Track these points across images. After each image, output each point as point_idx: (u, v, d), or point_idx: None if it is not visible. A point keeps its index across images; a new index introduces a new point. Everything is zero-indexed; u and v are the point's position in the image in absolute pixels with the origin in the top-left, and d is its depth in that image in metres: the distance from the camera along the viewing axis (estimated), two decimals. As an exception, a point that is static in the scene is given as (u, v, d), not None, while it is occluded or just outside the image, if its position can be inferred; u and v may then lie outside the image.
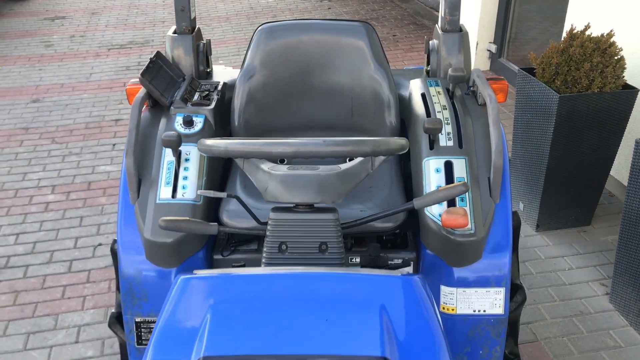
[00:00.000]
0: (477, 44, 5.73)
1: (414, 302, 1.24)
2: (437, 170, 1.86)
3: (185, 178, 1.89)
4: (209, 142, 1.56)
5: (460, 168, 1.87)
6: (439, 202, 1.54)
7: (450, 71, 2.08)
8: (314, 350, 1.09)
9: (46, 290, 3.34)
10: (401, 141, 1.53)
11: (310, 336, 1.13)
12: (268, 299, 1.22)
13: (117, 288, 2.05)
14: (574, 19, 4.08)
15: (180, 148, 1.87)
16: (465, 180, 1.84)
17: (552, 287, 3.29)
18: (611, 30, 3.32)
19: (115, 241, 2.05)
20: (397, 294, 1.24)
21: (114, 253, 2.05)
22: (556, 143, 3.42)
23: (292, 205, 1.54)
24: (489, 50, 5.75)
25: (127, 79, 6.22)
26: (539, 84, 3.43)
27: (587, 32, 3.36)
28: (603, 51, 3.27)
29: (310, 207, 1.53)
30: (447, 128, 1.96)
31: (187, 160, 1.93)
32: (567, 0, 4.39)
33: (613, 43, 3.30)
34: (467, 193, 1.82)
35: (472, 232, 1.79)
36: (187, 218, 1.55)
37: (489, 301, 1.83)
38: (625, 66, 3.33)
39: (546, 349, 2.90)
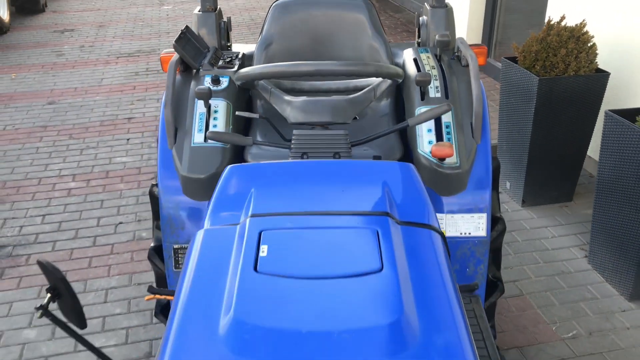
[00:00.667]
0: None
1: (408, 179, 1.57)
2: (428, 116, 2.19)
3: (214, 126, 2.21)
4: (244, 70, 1.90)
5: (447, 115, 2.21)
6: (428, 119, 1.88)
7: (437, 37, 2.43)
8: (334, 208, 1.42)
9: (74, 260, 3.65)
10: (398, 69, 1.89)
11: (331, 200, 1.46)
12: (299, 177, 1.57)
13: (156, 226, 2.36)
14: (552, 14, 4.46)
15: (209, 102, 2.20)
16: (451, 125, 2.18)
17: (536, 252, 3.61)
18: (583, 20, 3.70)
19: (153, 185, 2.37)
20: (395, 173, 1.57)
21: (153, 196, 2.36)
22: (537, 124, 3.78)
23: (310, 126, 1.88)
24: (477, 52, 6.13)
25: (137, 83, 6.57)
26: (521, 70, 3.79)
27: (563, 23, 3.73)
28: (577, 38, 3.64)
29: (325, 127, 1.87)
30: (436, 83, 2.30)
31: (215, 112, 2.25)
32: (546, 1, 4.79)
33: (586, 32, 3.67)
34: (452, 133, 2.16)
35: (458, 165, 2.12)
36: (229, 132, 1.91)
37: (473, 225, 2.16)
38: (597, 52, 3.70)
39: (531, 301, 3.21)
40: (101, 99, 6.17)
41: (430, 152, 2.07)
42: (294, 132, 1.85)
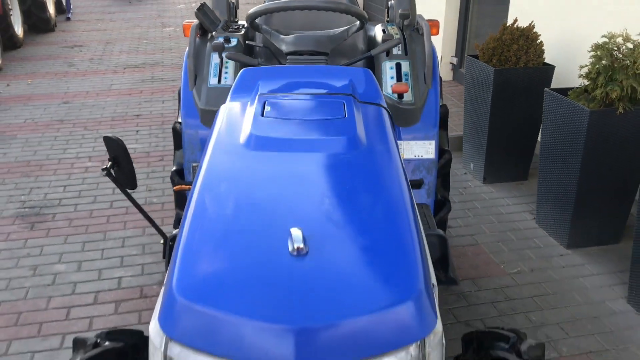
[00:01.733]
0: (440, 58, 6.84)
1: (368, 78, 2.21)
2: (391, 68, 2.81)
3: (226, 73, 2.82)
4: (252, 10, 2.51)
5: (405, 66, 2.83)
6: (385, 49, 2.53)
7: (400, 11, 3.07)
8: (316, 90, 2.06)
9: (94, 218, 4.21)
10: (363, 12, 2.52)
11: (314, 85, 2.09)
12: (291, 74, 2.22)
13: (178, 154, 2.96)
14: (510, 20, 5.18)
15: (223, 55, 2.82)
16: (408, 74, 2.80)
17: (493, 215, 4.22)
18: (532, 22, 4.40)
19: (175, 123, 2.97)
20: (359, 74, 2.20)
21: (175, 131, 2.96)
22: (494, 111, 4.43)
23: (299, 54, 2.50)
24: (451, 63, 6.85)
25: (143, 88, 7.21)
26: (480, 63, 4.46)
27: (516, 25, 4.42)
28: (527, 36, 4.33)
29: (311, 54, 2.49)
30: (399, 46, 2.94)
31: (226, 63, 2.86)
32: (507, 9, 5.52)
33: (534, 32, 4.36)
34: (409, 79, 2.78)
35: (413, 102, 2.74)
36: (242, 54, 2.52)
37: (424, 149, 2.76)
38: (544, 49, 4.38)
39: (484, 248, 3.81)
40: (111, 100, 6.79)
41: (392, 91, 2.70)
42: (288, 58, 2.48)
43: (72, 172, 4.95)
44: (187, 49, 2.86)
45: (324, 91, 2.07)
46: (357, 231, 1.41)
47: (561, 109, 3.67)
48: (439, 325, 1.30)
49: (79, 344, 1.89)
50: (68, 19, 11.57)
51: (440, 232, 2.11)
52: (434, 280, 1.57)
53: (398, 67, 2.82)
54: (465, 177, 4.82)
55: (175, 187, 2.61)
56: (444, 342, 1.34)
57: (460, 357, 2.00)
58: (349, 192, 1.56)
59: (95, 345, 1.77)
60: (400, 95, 2.75)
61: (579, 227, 3.77)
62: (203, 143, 2.80)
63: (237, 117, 1.93)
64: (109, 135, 2.17)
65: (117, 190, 4.63)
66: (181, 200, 2.95)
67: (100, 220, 4.17)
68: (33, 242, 3.90)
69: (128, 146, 5.45)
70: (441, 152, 2.93)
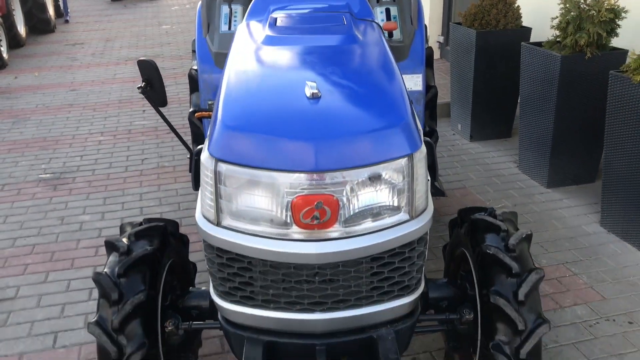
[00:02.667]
0: (428, 37, 7.21)
1: (362, 2, 2.59)
2: (381, 12, 3.19)
3: (235, 21, 3.18)
4: None
5: (394, 11, 3.20)
6: None
7: None
8: (319, 5, 2.43)
9: (111, 180, 4.54)
10: None
11: (317, 5, 2.47)
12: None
13: (194, 96, 3.30)
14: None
15: (231, 6, 3.18)
16: (397, 16, 3.17)
17: (479, 165, 4.59)
18: (509, -12, 4.80)
19: (191, 69, 3.34)
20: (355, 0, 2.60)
21: (191, 76, 3.32)
22: (477, 72, 4.80)
23: None
24: (438, 42, 7.25)
25: (146, 75, 7.55)
26: (463, 28, 4.84)
27: (495, -8, 4.81)
28: (505, 1, 4.72)
29: None
30: None
31: (235, 12, 3.22)
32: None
33: (512, -3, 4.76)
34: (398, 21, 3.15)
35: (401, 40, 3.11)
36: None
37: (413, 82, 3.12)
38: (521, 12, 4.77)
39: (471, 190, 4.17)
40: (116, 87, 7.14)
41: (382, 29, 3.07)
42: None
43: (86, 145, 5.29)
44: (199, 2, 3.23)
45: (326, 8, 2.44)
46: (360, 84, 1.78)
47: (536, 59, 4.04)
48: (423, 148, 1.67)
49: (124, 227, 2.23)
50: (67, 21, 11.92)
51: (427, 138, 2.46)
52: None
53: (387, 11, 3.19)
54: (454, 137, 5.18)
55: (197, 114, 2.96)
56: (427, 161, 1.69)
57: (453, 239, 2.35)
58: (350, 64, 1.92)
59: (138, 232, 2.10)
60: (390, 34, 3.12)
61: (557, 169, 4.14)
62: (217, 85, 3.15)
63: (254, 28, 2.31)
64: (143, 58, 2.52)
65: (132, 156, 4.97)
66: (198, 131, 3.29)
67: (118, 181, 4.51)
68: (57, 199, 4.23)
69: (136, 123, 5.81)
70: (428, 87, 3.30)
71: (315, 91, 1.64)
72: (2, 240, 3.69)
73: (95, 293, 2.12)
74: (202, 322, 2.10)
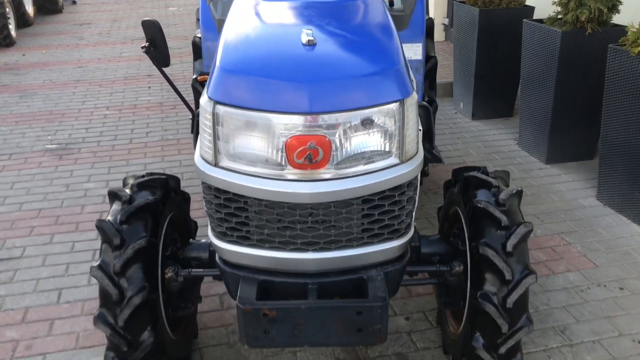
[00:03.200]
0: (433, 19, 7.23)
1: None
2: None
3: (239, -10, 3.24)
4: None
5: (397, -20, 3.26)
6: None
7: None
8: None
9: (116, 151, 4.62)
10: None
11: None
12: None
13: (198, 63, 3.36)
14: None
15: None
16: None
17: (480, 142, 4.63)
18: (513, -34, 4.82)
19: (195, 37, 3.40)
20: None
21: (195, 44, 3.37)
22: (480, 51, 4.83)
23: None
24: (443, 24, 7.27)
25: (152, 54, 7.60)
26: (467, 7, 4.87)
27: (499, -29, 4.84)
28: (508, -20, 4.75)
29: None
30: None
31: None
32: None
33: (515, -24, 4.78)
34: (398, -9, 3.21)
35: (402, 9, 3.16)
36: None
37: (413, 51, 3.16)
38: (525, -9, 4.81)
39: (466, 160, 4.22)
40: (123, 64, 7.20)
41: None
42: None
43: (92, 118, 5.36)
44: (205, -27, 3.29)
45: None
46: (354, 34, 1.84)
47: (537, 36, 4.08)
48: (414, 95, 1.73)
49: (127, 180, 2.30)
50: (74, 2, 11.98)
51: (424, 103, 2.51)
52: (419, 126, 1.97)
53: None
54: (456, 115, 5.22)
55: (199, 78, 3.02)
56: (418, 108, 1.74)
57: (447, 198, 2.41)
58: (347, 17, 1.98)
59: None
60: (391, 3, 3.17)
61: (556, 145, 4.18)
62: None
63: None
64: (147, 18, 2.58)
65: (137, 130, 5.04)
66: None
67: (122, 152, 4.58)
68: (63, 168, 4.30)
69: (142, 98, 5.87)
70: (428, 58, 3.35)
71: (311, 38, 1.69)
72: (9, 205, 3.76)
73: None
74: (201, 270, 2.17)
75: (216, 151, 1.69)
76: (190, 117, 3.26)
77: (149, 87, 6.23)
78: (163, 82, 6.41)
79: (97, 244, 3.23)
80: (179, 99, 3.36)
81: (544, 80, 4.07)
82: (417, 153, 1.75)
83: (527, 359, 2.50)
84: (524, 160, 4.30)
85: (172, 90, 6.10)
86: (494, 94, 5.04)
